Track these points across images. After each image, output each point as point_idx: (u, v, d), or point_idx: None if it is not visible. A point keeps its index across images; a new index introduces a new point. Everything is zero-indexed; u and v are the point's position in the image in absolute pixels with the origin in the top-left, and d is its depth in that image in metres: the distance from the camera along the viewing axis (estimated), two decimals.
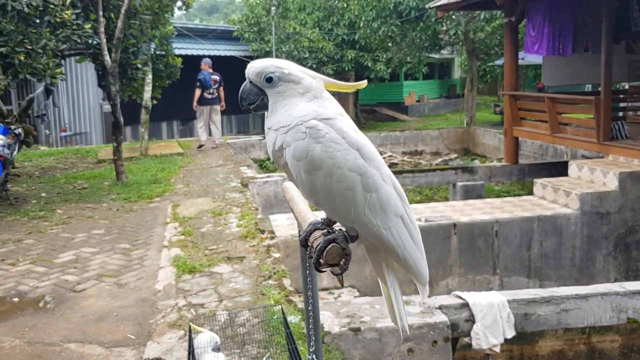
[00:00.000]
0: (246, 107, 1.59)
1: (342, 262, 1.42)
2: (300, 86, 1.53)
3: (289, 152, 1.47)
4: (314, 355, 1.78)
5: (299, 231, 1.70)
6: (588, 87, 21.04)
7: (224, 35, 24.07)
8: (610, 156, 9.81)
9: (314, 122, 1.46)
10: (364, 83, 1.61)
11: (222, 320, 4.25)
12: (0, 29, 7.55)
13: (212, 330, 3.77)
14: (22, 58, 7.61)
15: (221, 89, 13.26)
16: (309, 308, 1.75)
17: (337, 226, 1.54)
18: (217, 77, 13.15)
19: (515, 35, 12.68)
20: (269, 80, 1.53)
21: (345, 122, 1.53)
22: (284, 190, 1.93)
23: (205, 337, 3.09)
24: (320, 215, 1.60)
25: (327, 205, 1.50)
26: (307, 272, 1.73)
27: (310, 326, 1.79)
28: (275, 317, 4.12)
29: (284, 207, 9.52)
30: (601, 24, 10.01)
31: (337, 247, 1.40)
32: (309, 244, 1.48)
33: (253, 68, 1.55)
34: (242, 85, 1.58)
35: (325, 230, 1.51)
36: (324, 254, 1.39)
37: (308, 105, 1.51)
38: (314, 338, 1.80)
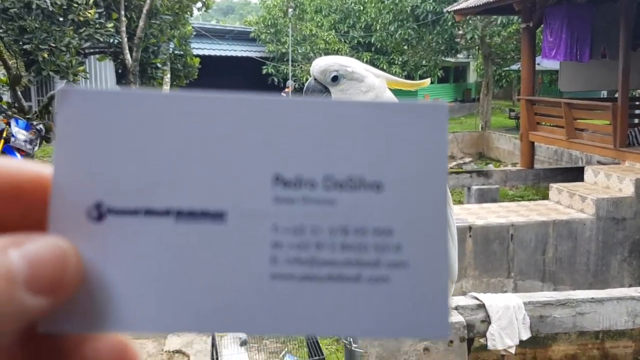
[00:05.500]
0: None
1: None
2: (364, 84, 1.52)
3: None
4: (350, 339, 1.85)
5: None
6: (603, 94, 20.95)
7: (241, 36, 24.22)
8: (627, 162, 9.78)
9: None
10: (427, 81, 1.64)
11: None
12: (25, 26, 7.69)
13: None
14: (45, 55, 7.75)
15: None
16: None
17: None
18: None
19: (533, 41, 12.67)
20: (334, 78, 1.53)
21: None
22: None
23: (231, 334, 3.18)
24: None
25: None
26: None
27: None
28: None
29: None
30: (619, 30, 10.00)
31: None
32: None
33: (318, 66, 1.56)
34: (307, 82, 1.60)
35: None
36: None
37: None
38: None
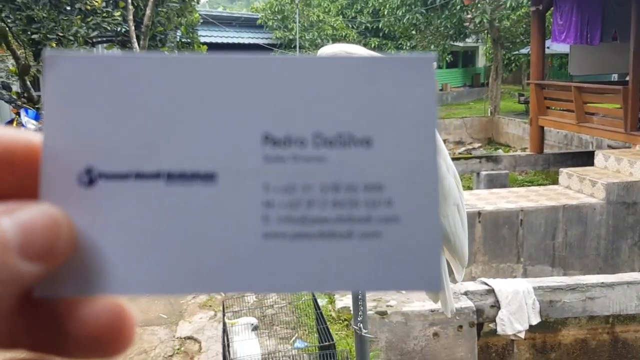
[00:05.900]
0: None
1: None
2: None
3: None
4: (360, 325, 1.86)
5: None
6: (614, 77, 20.77)
7: (248, 23, 24.15)
8: (637, 146, 9.71)
9: None
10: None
11: (251, 302, 4.35)
12: (32, 16, 7.70)
13: (242, 311, 3.87)
14: (53, 45, 7.77)
15: None
16: None
17: None
18: None
19: (543, 24, 12.56)
20: None
21: None
22: None
23: (243, 320, 3.22)
24: None
25: None
26: None
27: (359, 296, 1.86)
28: (302, 299, 4.21)
29: None
30: (630, 12, 9.89)
31: None
32: None
33: (324, 54, 1.57)
34: None
35: None
36: None
37: None
38: (361, 309, 1.88)
